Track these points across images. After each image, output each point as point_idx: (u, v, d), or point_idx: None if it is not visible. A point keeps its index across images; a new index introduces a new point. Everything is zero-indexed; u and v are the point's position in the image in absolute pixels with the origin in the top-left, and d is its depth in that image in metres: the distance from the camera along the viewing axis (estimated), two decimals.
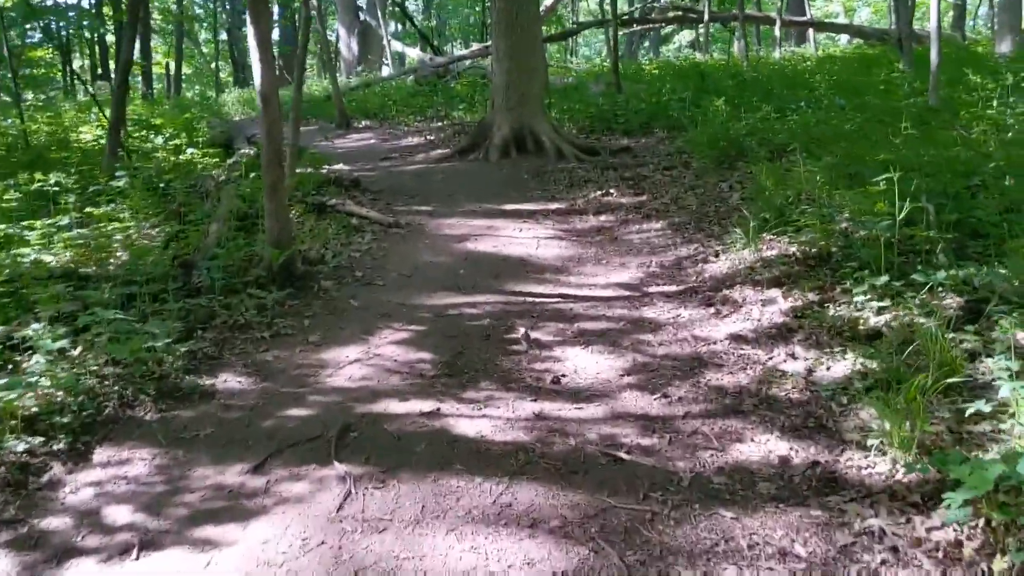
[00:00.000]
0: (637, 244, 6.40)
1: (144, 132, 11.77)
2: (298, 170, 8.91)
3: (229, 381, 4.08)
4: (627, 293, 5.20)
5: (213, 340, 4.47)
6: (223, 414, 3.73)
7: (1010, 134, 7.03)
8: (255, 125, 17.63)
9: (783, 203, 6.08)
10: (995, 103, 8.59)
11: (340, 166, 10.88)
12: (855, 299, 4.29)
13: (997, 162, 5.62)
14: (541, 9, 22.72)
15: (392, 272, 5.76)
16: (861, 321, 4.13)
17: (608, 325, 4.62)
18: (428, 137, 13.57)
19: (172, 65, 31.56)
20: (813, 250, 5.12)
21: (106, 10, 26.49)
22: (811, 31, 21.89)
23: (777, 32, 19.05)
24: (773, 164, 8.34)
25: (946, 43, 17.74)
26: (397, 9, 30.09)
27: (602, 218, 7.33)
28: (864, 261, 4.58)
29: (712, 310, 4.72)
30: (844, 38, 31.40)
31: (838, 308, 4.35)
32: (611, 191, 8.40)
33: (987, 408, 2.88)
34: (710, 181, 8.20)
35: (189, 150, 10.14)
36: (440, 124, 14.66)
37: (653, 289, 5.25)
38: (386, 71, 23.05)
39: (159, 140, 10.71)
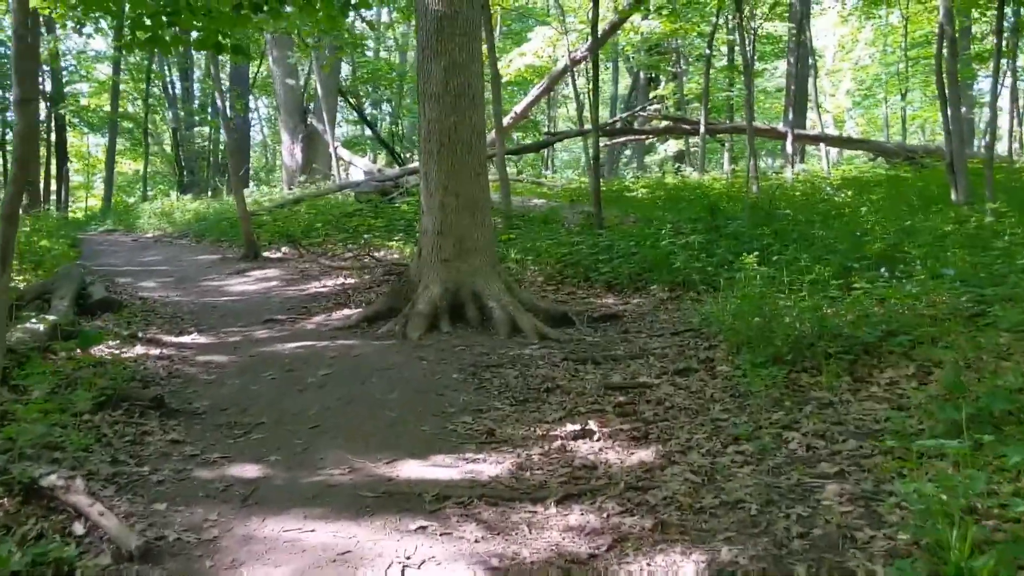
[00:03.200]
0: None
1: None
2: (72, 365, 5.37)
3: None
4: None
5: None
6: None
7: None
8: (115, 254, 14.04)
9: None
10: None
11: (192, 336, 7.40)
12: None
13: None
14: (510, 116, 19.75)
15: None
16: None
17: None
18: (346, 280, 10.15)
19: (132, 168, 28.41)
20: None
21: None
22: (822, 147, 19.02)
23: (789, 148, 16.06)
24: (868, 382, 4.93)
25: (997, 168, 14.75)
26: (355, 113, 27.27)
27: (573, 520, 3.75)
28: None
29: None
30: (833, 152, 28.60)
31: None
32: (590, 423, 4.90)
33: None
34: (764, 417, 4.73)
35: None
36: (369, 258, 11.26)
37: None
38: (334, 182, 19.81)
39: None
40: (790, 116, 17.05)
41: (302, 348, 6.86)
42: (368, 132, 32.46)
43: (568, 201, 13.35)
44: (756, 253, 7.27)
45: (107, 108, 30.83)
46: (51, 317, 7.02)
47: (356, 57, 26.00)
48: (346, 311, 8.31)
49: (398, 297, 7.62)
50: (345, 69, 32.93)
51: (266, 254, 12.91)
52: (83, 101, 32.38)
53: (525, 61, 18.97)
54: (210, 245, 15.16)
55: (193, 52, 31.43)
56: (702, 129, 18.11)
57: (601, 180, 17.77)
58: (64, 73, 31.12)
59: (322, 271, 10.97)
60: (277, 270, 11.37)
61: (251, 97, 34.29)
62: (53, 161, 30.26)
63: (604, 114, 31.87)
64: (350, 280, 10.13)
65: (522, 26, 27.27)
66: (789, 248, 7.93)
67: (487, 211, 7.61)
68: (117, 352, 6.55)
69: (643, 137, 21.57)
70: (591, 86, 11.28)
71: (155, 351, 6.79)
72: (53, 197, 30.86)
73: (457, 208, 7.34)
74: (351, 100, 25.94)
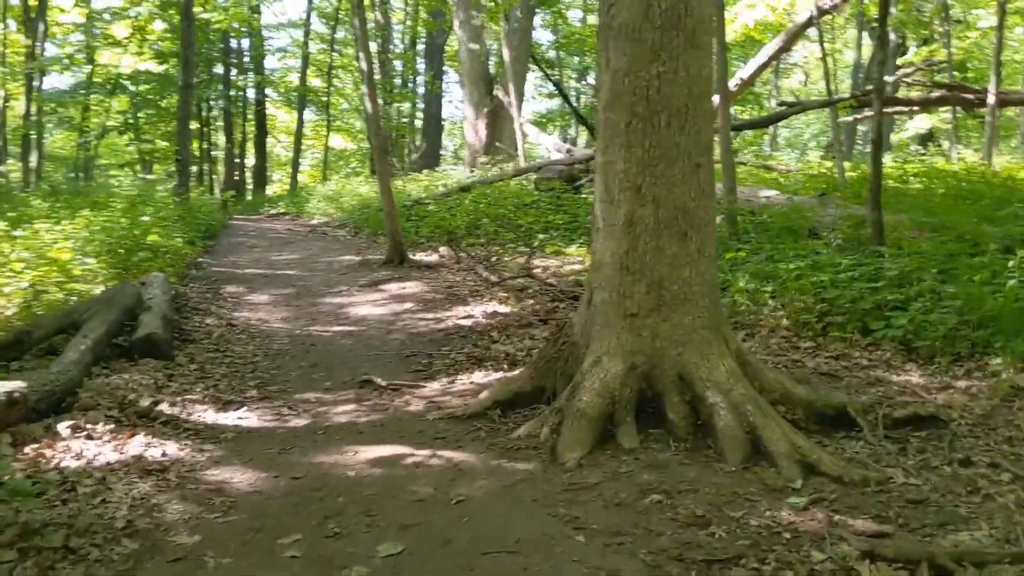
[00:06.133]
0: None
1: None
2: None
3: None
4: None
5: None
6: None
7: None
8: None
9: None
10: None
11: (240, 412, 4.80)
12: None
13: None
14: (735, 81, 15.95)
15: None
16: None
17: None
18: (499, 307, 7.29)
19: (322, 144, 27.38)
20: None
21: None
22: None
23: None
24: None
25: None
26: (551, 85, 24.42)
27: None
28: None
29: None
30: None
31: None
32: None
33: None
34: None
35: None
36: (526, 277, 8.27)
37: None
38: (519, 164, 17.04)
39: None
40: None
41: (380, 466, 4.00)
42: (565, 108, 29.53)
43: (815, 194, 9.72)
44: None
45: (314, 83, 29.58)
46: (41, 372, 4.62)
47: (555, 20, 23.11)
48: (478, 375, 5.40)
49: (551, 369, 4.59)
50: (546, 36, 30.19)
51: (419, 255, 10.35)
52: (292, 76, 31.57)
53: (755, 15, 15.19)
54: (366, 239, 12.87)
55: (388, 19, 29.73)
56: (991, 99, 13.67)
57: (846, 164, 13.82)
58: (272, 48, 30.51)
59: (473, 289, 8.17)
60: (420, 283, 8.70)
61: (448, 70, 32.33)
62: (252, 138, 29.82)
63: (845, 85, 27.11)
64: (504, 307, 7.25)
65: None
66: None
67: (709, 231, 4.37)
68: (76, 467, 3.97)
69: (907, 110, 17.19)
70: (878, 26, 7.69)
71: (157, 450, 4.18)
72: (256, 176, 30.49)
73: (656, 226, 4.18)
74: (546, 70, 23.09)
